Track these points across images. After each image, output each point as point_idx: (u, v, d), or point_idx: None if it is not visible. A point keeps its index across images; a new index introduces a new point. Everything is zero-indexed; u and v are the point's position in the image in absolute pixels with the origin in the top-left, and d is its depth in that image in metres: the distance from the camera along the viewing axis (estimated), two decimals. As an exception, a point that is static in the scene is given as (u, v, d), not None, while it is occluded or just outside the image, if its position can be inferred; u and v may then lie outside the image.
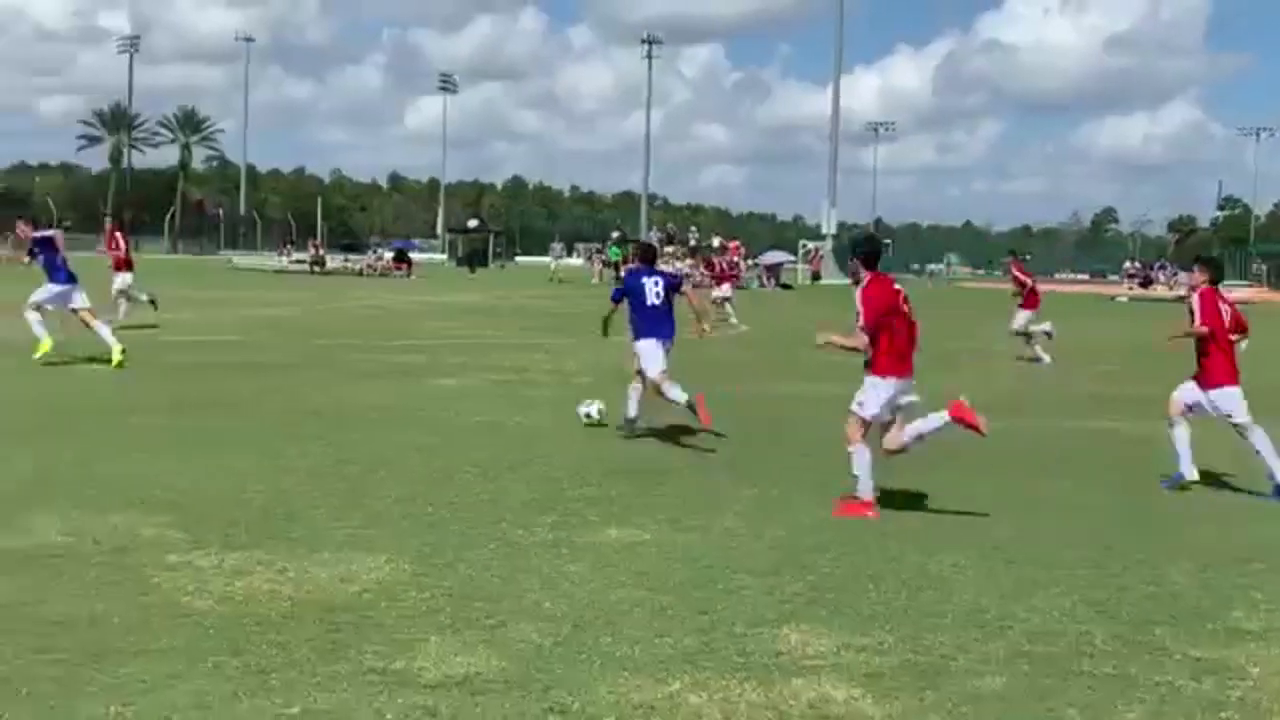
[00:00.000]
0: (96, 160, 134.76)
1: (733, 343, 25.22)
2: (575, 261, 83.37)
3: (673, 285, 12.99)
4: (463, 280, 61.42)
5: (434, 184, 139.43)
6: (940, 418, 9.13)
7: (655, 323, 12.63)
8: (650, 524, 8.47)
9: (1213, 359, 10.64)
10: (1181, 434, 10.70)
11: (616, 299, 13.03)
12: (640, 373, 12.55)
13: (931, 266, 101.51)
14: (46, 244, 17.36)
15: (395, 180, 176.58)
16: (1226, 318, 10.72)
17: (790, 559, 7.69)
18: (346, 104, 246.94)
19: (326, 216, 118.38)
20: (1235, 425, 10.56)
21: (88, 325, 17.33)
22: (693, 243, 71.15)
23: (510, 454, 11.11)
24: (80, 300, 17.37)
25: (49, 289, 17.19)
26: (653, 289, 12.73)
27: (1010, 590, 7.12)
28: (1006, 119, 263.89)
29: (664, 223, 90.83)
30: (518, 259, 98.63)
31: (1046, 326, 22.92)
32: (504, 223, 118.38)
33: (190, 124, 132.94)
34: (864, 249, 9.58)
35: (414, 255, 74.63)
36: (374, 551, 7.48)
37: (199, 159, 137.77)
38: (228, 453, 10.68)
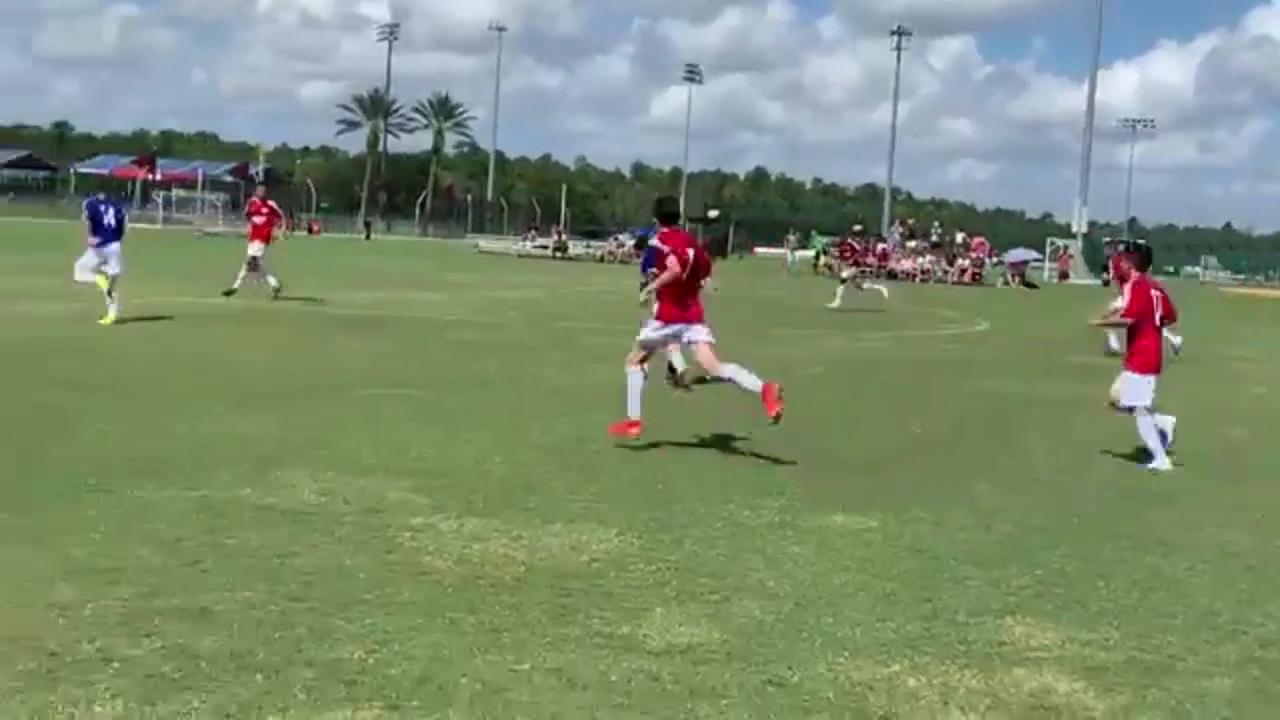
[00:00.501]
0: (354, 144, 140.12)
1: (975, 342, 24.85)
2: (809, 253, 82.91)
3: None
4: (701, 269, 61.78)
5: (676, 173, 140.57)
6: (755, 382, 10.21)
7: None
8: (877, 512, 8.49)
9: (1141, 347, 11.03)
10: (1160, 419, 11.09)
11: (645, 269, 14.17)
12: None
13: (1188, 269, 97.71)
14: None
15: (638, 169, 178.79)
16: (1157, 305, 11.03)
17: (1018, 553, 7.62)
18: (594, 93, 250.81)
19: (570, 203, 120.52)
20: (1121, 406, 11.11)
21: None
22: (934, 238, 70.15)
23: (742, 438, 11.24)
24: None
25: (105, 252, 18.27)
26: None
27: (1246, 596, 6.93)
28: (1275, 118, 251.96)
29: (906, 217, 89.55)
30: (757, 250, 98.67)
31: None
32: (745, 213, 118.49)
33: (444, 111, 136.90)
34: (658, 211, 11.47)
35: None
36: (605, 525, 7.70)
37: (450, 145, 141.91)
38: (471, 426, 11.10)
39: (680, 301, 10.61)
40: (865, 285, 32.64)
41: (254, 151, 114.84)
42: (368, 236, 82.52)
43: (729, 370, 10.38)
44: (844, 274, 33.04)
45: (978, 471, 10.31)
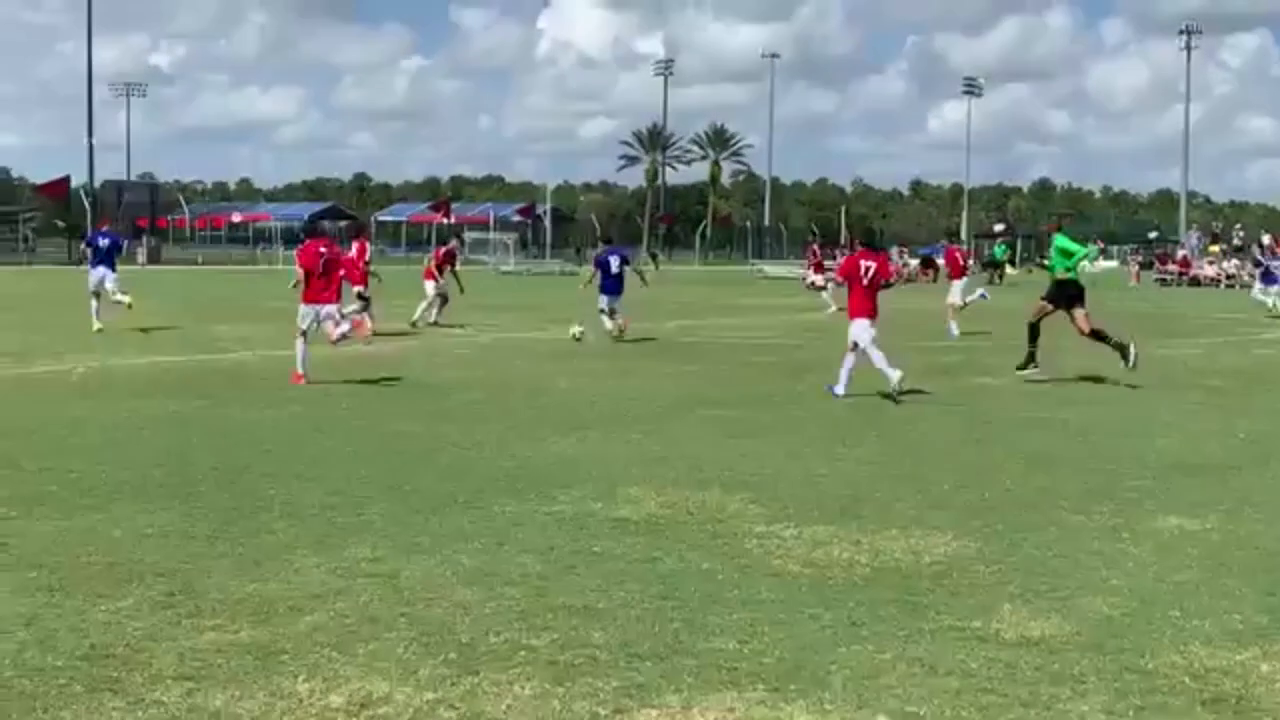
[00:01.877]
0: (633, 178, 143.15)
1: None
2: (1111, 264, 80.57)
3: (625, 260, 23.60)
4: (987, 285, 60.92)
5: (956, 189, 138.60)
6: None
7: (612, 284, 23.04)
8: (1211, 514, 8.54)
9: (852, 300, 15.32)
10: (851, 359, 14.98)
11: (596, 267, 23.82)
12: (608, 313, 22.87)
13: None
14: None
15: (917, 187, 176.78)
16: (867, 272, 15.15)
17: (1363, 550, 7.60)
18: (869, 113, 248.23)
19: (848, 225, 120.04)
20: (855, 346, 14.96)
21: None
22: (1236, 242, 67.33)
23: (1058, 447, 11.38)
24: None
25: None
26: (615, 263, 23.09)
27: None
28: None
29: (1209, 223, 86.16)
30: (1045, 263, 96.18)
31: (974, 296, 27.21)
32: (1031, 226, 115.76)
33: (719, 141, 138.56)
34: (307, 229, 22.36)
35: (938, 261, 74.54)
36: (940, 530, 8.02)
37: (726, 173, 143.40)
38: (789, 441, 11.56)
39: (316, 290, 15.87)
40: (826, 294, 33.63)
41: (539, 191, 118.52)
42: (656, 267, 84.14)
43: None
44: (814, 281, 36.04)
45: (1310, 473, 10.22)
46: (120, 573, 6.77)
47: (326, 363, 16.31)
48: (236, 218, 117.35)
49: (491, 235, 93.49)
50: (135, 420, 12.42)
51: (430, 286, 26.19)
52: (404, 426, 12.23)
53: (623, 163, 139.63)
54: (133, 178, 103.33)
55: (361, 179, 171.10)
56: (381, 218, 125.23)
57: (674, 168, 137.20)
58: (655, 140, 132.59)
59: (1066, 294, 17.00)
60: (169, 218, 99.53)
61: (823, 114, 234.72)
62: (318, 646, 5.62)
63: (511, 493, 9.03)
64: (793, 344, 23.22)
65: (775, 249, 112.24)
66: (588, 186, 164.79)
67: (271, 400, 14.09)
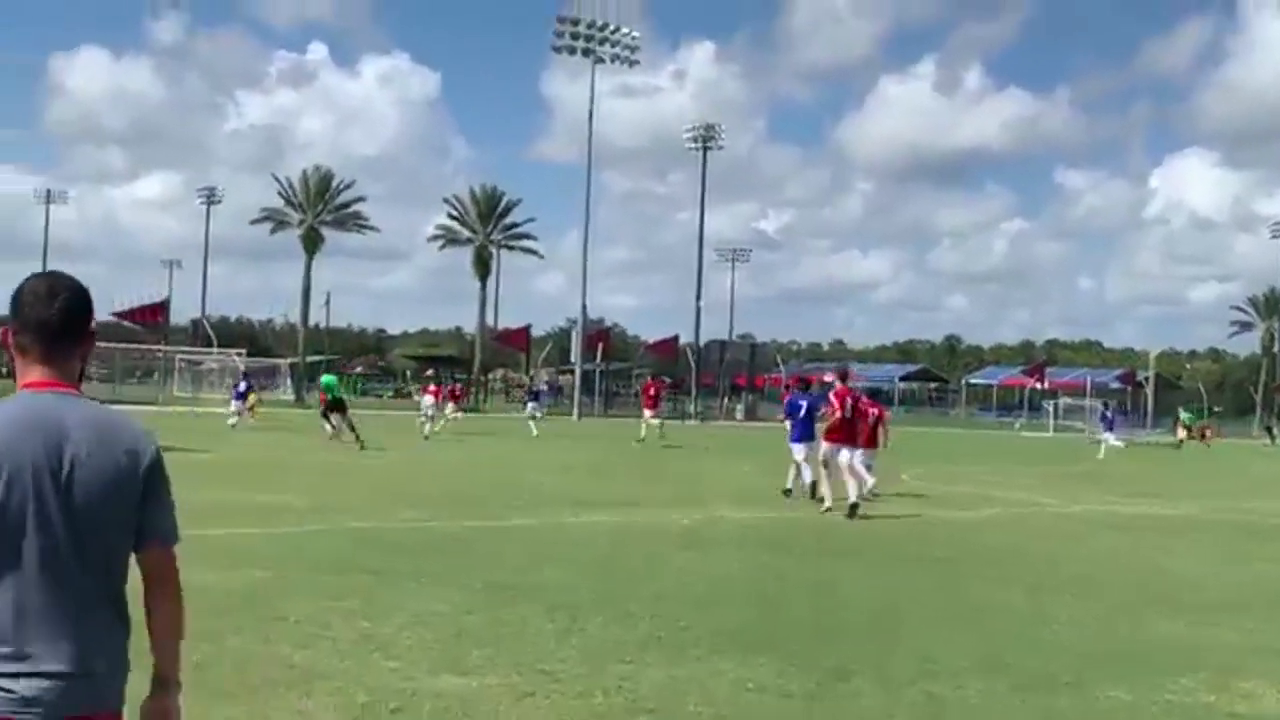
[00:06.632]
0: (1246, 345, 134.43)
1: None
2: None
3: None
4: None
5: None
6: None
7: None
8: None
9: None
10: None
11: None
12: None
13: None
14: None
15: None
16: None
17: None
18: None
19: None
20: None
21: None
22: None
23: None
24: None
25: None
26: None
27: None
28: None
29: None
30: None
31: None
32: None
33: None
34: None
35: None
36: None
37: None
38: None
39: None
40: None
41: (1140, 357, 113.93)
42: (1272, 440, 78.32)
43: None
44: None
45: None
46: (724, 726, 6.94)
47: (898, 529, 16.23)
48: (828, 378, 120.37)
49: (1087, 402, 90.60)
50: (733, 572, 12.83)
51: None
52: (1001, 596, 11.89)
53: (1235, 329, 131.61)
54: (734, 337, 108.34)
55: (952, 340, 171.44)
56: (973, 380, 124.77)
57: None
58: (1273, 305, 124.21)
59: None
60: (765, 375, 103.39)
61: None
62: (914, 822, 5.48)
63: (1116, 677, 8.50)
64: None
65: None
66: (1193, 353, 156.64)
67: (856, 556, 14.19)
